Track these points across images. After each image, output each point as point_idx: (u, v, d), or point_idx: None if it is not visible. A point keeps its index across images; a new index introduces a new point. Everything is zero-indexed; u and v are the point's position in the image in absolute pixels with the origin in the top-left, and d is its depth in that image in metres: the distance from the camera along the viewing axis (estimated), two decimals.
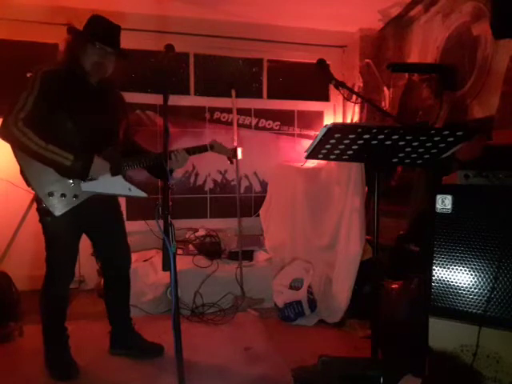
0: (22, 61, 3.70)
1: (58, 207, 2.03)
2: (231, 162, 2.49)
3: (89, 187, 2.06)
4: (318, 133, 1.56)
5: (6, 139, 1.98)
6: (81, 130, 2.05)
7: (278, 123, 4.22)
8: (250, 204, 4.14)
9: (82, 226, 2.23)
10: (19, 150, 2.00)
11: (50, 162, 1.96)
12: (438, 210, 1.77)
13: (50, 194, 2.02)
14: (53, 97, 1.98)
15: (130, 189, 2.14)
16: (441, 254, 1.77)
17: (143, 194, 2.15)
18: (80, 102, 2.07)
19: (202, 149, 2.30)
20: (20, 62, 3.70)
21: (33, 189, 2.05)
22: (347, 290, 2.79)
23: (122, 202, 3.81)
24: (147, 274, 3.19)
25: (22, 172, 2.08)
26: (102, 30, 2.15)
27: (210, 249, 3.50)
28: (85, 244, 3.66)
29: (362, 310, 2.73)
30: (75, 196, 2.06)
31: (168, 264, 1.60)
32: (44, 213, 2.07)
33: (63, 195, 2.04)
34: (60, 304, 2.25)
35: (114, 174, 2.11)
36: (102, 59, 2.12)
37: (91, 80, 2.14)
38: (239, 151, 3.31)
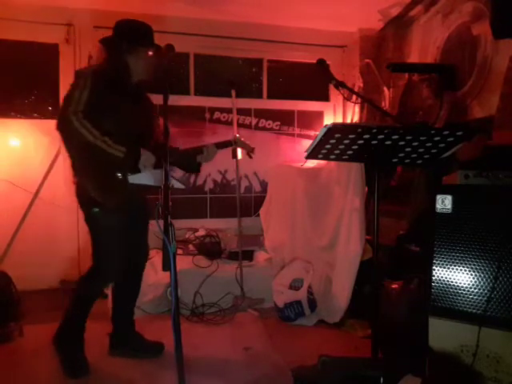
0: (22, 61, 3.71)
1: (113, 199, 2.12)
2: (250, 157, 2.63)
3: (134, 179, 2.13)
4: (318, 133, 1.56)
5: (64, 131, 2.03)
6: (122, 128, 2.11)
7: (278, 123, 4.21)
8: (250, 204, 4.14)
9: (122, 220, 2.26)
10: (77, 140, 2.02)
11: (106, 153, 2.00)
12: (438, 210, 1.77)
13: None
14: (102, 95, 2.05)
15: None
16: (441, 254, 1.77)
17: (182, 186, 2.29)
18: (123, 103, 2.14)
19: (228, 143, 2.48)
20: (20, 62, 3.71)
21: (87, 182, 2.10)
22: (347, 290, 2.78)
23: None
24: (147, 274, 3.15)
25: (74, 165, 2.13)
26: (147, 32, 2.25)
27: (210, 249, 3.49)
28: (85, 244, 3.68)
29: (362, 310, 2.73)
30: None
31: (168, 264, 1.60)
32: (97, 205, 2.11)
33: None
34: (95, 299, 2.30)
35: (156, 167, 2.18)
36: (152, 59, 2.24)
37: (131, 82, 2.23)
38: (239, 151, 3.33)
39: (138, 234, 2.41)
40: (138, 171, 2.13)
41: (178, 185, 2.23)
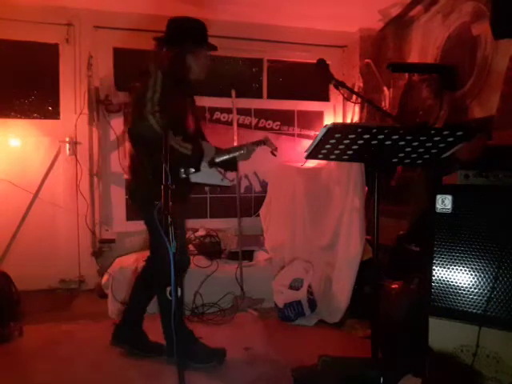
0: (22, 61, 3.71)
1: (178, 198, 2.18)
2: (275, 155, 2.67)
3: (195, 178, 2.19)
4: (318, 133, 1.56)
5: (141, 131, 2.04)
6: (183, 126, 2.18)
7: (278, 123, 4.21)
8: (250, 204, 4.14)
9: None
10: (152, 139, 2.01)
11: (176, 151, 2.05)
12: (437, 210, 1.77)
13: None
14: (169, 95, 2.08)
15: (222, 179, 2.33)
16: (441, 254, 1.77)
17: (229, 184, 2.40)
18: (183, 102, 2.20)
19: (260, 142, 2.56)
20: (20, 62, 3.71)
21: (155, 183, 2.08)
22: (347, 290, 2.78)
23: (122, 201, 3.84)
24: None
25: (139, 166, 2.16)
26: (205, 33, 2.31)
27: (210, 249, 3.49)
28: (85, 244, 3.69)
29: (361, 310, 2.73)
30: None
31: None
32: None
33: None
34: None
35: (211, 165, 2.26)
36: (209, 59, 2.32)
37: (189, 82, 2.29)
38: None
39: (184, 234, 2.50)
40: (199, 170, 2.18)
41: (225, 182, 2.34)
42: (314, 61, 2.19)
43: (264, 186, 4.13)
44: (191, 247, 3.53)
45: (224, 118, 4.05)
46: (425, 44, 3.48)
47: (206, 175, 2.23)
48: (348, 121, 4.15)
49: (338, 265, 2.94)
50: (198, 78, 2.31)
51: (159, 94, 2.03)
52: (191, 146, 2.10)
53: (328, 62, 2.20)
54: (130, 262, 3.25)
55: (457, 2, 3.10)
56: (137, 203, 2.31)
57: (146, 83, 2.05)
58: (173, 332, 2.13)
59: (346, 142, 1.63)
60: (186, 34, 2.26)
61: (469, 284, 1.71)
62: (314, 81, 4.11)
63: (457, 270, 1.73)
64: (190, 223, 3.87)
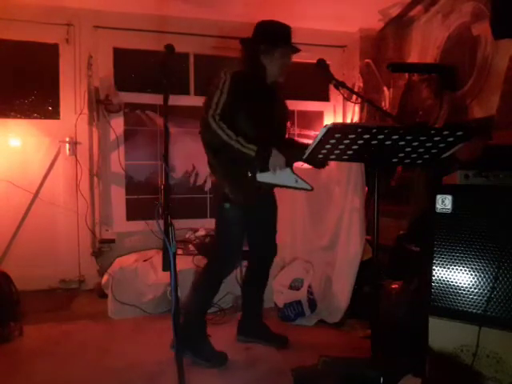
0: (22, 61, 3.71)
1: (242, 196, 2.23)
2: None
3: (263, 178, 2.18)
4: (318, 133, 1.56)
5: (204, 133, 2.21)
6: (258, 125, 2.20)
7: None
8: None
9: (250, 216, 2.34)
10: (214, 141, 2.14)
11: (238, 152, 2.10)
12: (437, 210, 1.77)
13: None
14: (239, 97, 2.14)
15: (296, 181, 2.27)
16: (441, 254, 1.77)
17: (308, 187, 2.29)
18: (259, 102, 2.23)
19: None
20: (20, 62, 3.71)
21: (221, 180, 2.21)
22: (347, 290, 2.78)
23: (122, 201, 3.84)
24: (147, 274, 3.18)
25: (212, 164, 2.26)
26: (285, 34, 2.33)
27: (211, 249, 3.48)
28: (85, 244, 3.69)
29: (362, 310, 2.73)
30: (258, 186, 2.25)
31: (168, 264, 1.60)
32: (233, 201, 2.20)
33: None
34: (214, 292, 2.45)
35: (287, 165, 2.24)
36: (289, 60, 2.32)
37: (266, 83, 2.31)
38: None
39: (267, 230, 2.51)
40: (268, 170, 2.18)
41: (304, 185, 2.27)
42: (314, 61, 2.20)
43: None
44: (191, 247, 3.53)
45: None
46: (425, 44, 3.49)
47: (277, 176, 2.19)
48: (348, 121, 4.15)
49: (338, 265, 2.94)
50: (276, 79, 2.32)
51: (225, 96, 2.10)
52: (256, 147, 2.11)
53: (328, 62, 2.21)
54: (130, 262, 3.25)
55: (457, 1, 3.10)
56: (214, 201, 2.39)
57: (216, 86, 2.13)
58: (190, 327, 2.24)
59: (346, 142, 1.63)
60: (260, 35, 2.30)
61: (469, 284, 1.71)
62: (314, 81, 4.11)
63: (457, 269, 1.73)
64: (190, 223, 3.88)
